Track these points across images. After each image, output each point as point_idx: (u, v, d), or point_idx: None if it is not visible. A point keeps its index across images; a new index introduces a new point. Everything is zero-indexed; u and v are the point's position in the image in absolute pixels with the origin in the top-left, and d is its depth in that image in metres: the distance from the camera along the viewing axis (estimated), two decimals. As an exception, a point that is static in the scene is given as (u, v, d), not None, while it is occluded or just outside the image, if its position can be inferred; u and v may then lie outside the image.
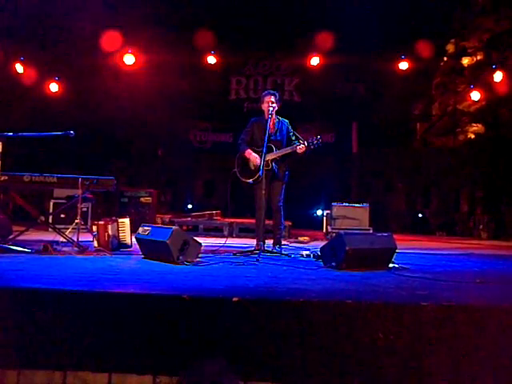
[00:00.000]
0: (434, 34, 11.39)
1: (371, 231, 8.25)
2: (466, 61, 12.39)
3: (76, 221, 4.88)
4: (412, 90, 12.66)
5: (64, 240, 4.99)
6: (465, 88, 12.24)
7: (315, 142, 5.11)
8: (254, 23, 11.21)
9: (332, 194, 11.33)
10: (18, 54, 10.74)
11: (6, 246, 4.56)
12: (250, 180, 5.30)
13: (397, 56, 11.31)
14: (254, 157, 5.26)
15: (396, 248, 4.12)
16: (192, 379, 2.24)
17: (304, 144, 5.12)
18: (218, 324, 2.37)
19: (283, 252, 5.22)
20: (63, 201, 7.45)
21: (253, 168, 5.30)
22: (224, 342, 2.36)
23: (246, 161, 5.37)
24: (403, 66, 11.32)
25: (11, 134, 4.51)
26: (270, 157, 5.13)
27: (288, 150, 5.22)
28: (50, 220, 6.63)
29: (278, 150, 5.23)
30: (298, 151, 5.13)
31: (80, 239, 4.80)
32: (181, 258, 3.99)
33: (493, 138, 11.53)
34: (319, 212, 11.50)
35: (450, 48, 12.70)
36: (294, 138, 5.37)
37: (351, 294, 2.77)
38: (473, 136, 12.24)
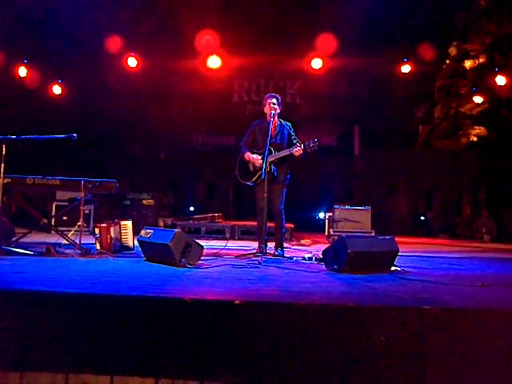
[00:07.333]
0: (436, 37, 11.40)
1: (373, 234, 8.26)
2: (468, 64, 12.37)
3: (78, 223, 4.91)
4: (414, 93, 12.65)
5: (66, 242, 5.02)
6: (467, 91, 12.23)
7: (311, 144, 5.06)
8: (255, 26, 11.23)
9: (334, 196, 11.33)
10: (21, 56, 10.77)
11: (9, 248, 4.59)
12: (250, 182, 5.33)
13: (399, 59, 11.33)
14: (253, 158, 5.29)
15: (398, 251, 4.11)
16: None
17: (300, 147, 5.08)
18: (219, 326, 2.37)
19: (285, 255, 5.23)
20: (66, 203, 7.51)
21: (252, 170, 5.33)
22: (226, 344, 2.36)
23: (246, 163, 5.39)
24: (405, 68, 11.33)
25: (14, 136, 4.53)
26: (268, 159, 5.13)
27: (285, 152, 5.20)
28: (53, 222, 6.67)
29: (278, 152, 5.23)
30: (295, 154, 5.09)
31: (82, 242, 4.82)
32: (183, 260, 4.00)
33: (495, 141, 11.52)
34: (321, 215, 11.46)
35: (453, 51, 12.68)
36: (295, 141, 5.35)
37: (353, 297, 2.77)
38: (475, 139, 12.21)
